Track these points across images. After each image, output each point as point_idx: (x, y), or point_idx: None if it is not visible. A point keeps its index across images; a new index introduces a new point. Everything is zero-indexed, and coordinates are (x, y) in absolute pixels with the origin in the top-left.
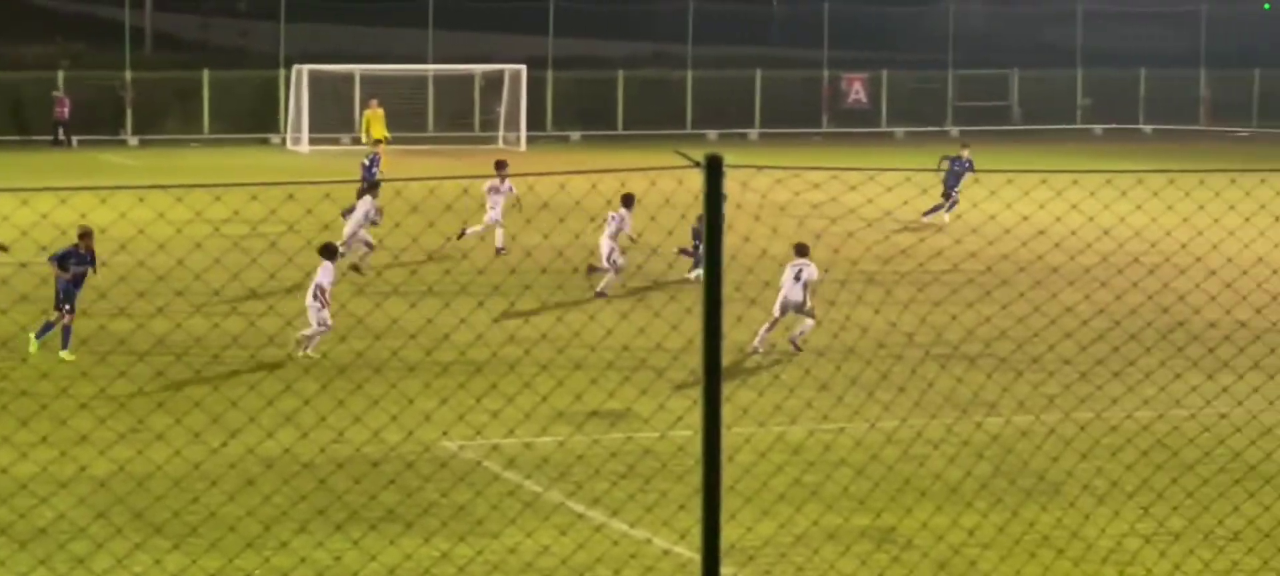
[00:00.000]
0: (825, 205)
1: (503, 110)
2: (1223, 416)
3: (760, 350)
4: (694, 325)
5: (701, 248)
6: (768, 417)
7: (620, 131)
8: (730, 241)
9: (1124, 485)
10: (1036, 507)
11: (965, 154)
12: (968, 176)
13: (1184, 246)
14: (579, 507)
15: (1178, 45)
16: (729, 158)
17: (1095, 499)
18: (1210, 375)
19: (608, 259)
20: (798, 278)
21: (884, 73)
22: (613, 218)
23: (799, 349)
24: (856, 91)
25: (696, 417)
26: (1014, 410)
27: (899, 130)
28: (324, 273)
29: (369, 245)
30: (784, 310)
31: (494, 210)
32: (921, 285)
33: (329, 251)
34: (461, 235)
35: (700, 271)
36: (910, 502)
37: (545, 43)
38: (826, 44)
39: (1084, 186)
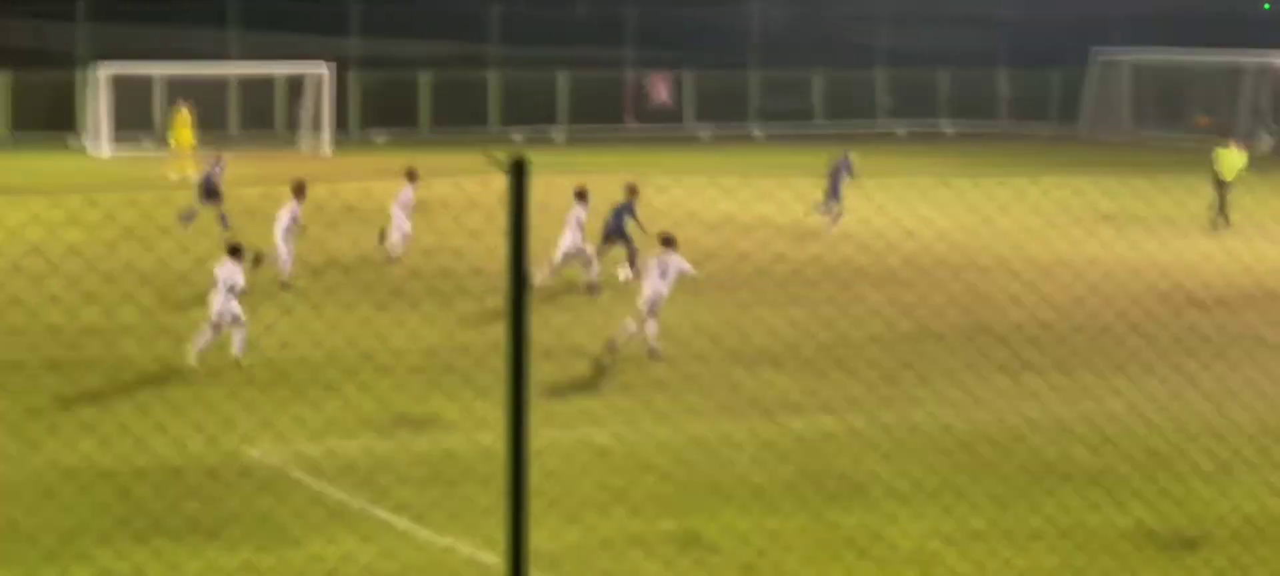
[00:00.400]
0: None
1: (306, 112)
2: (1024, 416)
3: (618, 348)
4: (499, 329)
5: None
6: (573, 422)
7: (426, 132)
8: (535, 245)
9: (926, 485)
10: (840, 509)
11: (848, 156)
12: (846, 178)
13: (987, 247)
14: (384, 514)
15: (979, 45)
16: (534, 159)
17: (898, 500)
18: (1013, 375)
19: (578, 253)
20: (664, 274)
21: (688, 73)
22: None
23: (655, 354)
24: (661, 92)
25: (502, 422)
26: (819, 411)
27: (704, 130)
28: (229, 271)
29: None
30: (652, 307)
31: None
32: (728, 288)
33: (236, 252)
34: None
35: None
36: (716, 506)
37: (348, 43)
38: (631, 44)
39: (890, 188)
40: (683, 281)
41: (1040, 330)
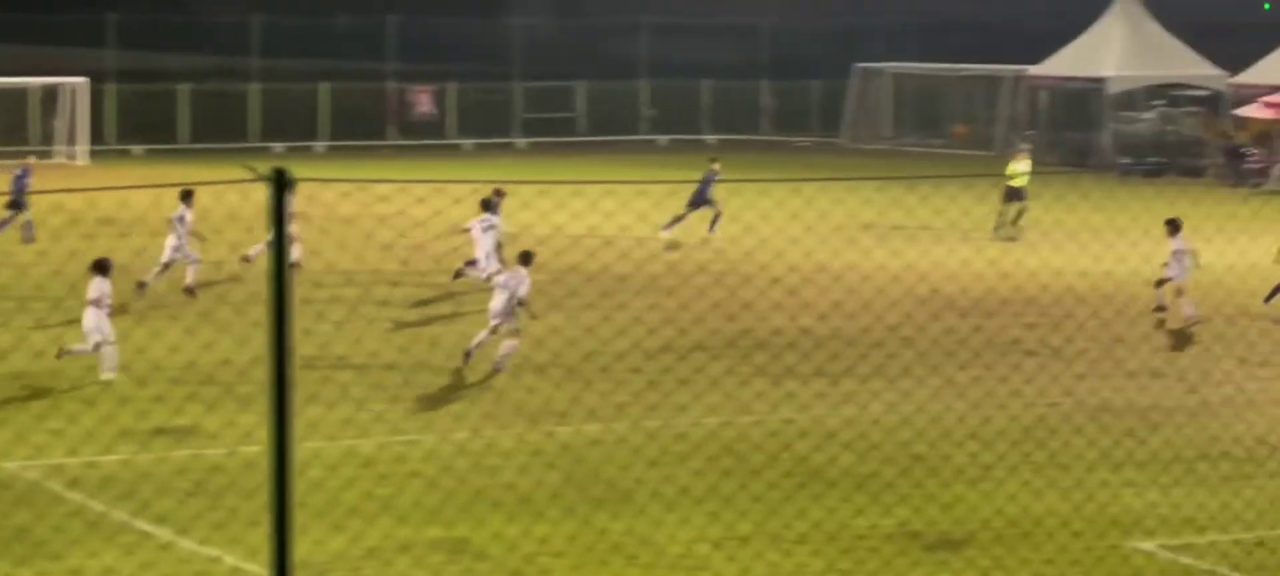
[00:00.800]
0: (392, 218)
1: (63, 124)
2: (788, 421)
3: (472, 356)
4: (262, 339)
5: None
6: (338, 432)
7: (184, 145)
8: (297, 255)
9: (693, 491)
10: (607, 515)
11: (715, 166)
12: (715, 185)
13: (749, 254)
14: (145, 526)
15: (740, 56)
16: (296, 171)
17: (665, 505)
18: (776, 381)
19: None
20: (508, 288)
21: (451, 85)
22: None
23: (500, 369)
24: (423, 103)
25: (265, 433)
26: (584, 419)
27: (466, 142)
28: (98, 286)
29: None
30: (497, 319)
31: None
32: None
33: (102, 267)
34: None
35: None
36: (483, 513)
37: (106, 55)
38: (393, 56)
39: (650, 196)
40: (448, 288)
41: (802, 336)
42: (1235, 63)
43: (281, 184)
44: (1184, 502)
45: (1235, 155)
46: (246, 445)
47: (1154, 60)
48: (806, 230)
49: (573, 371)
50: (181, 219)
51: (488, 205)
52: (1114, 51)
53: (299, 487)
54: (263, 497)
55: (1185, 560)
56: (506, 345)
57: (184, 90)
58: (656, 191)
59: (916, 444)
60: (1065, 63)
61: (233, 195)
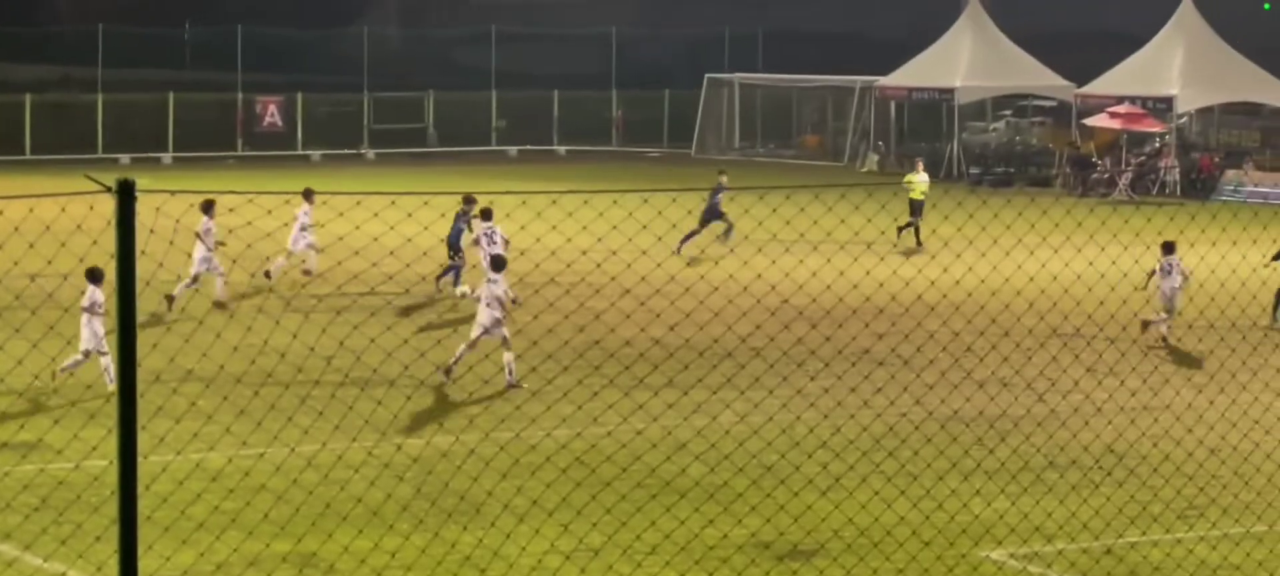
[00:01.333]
0: (241, 229)
1: None
2: (639, 432)
3: (454, 373)
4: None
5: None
6: (185, 445)
7: (29, 156)
8: (144, 267)
9: (544, 503)
10: (458, 528)
11: (723, 179)
12: (723, 196)
13: (599, 266)
14: None
15: (590, 67)
16: (142, 182)
17: (516, 517)
18: (626, 392)
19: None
20: (489, 303)
21: (299, 95)
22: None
23: (515, 386)
24: (271, 114)
25: (111, 447)
26: (434, 431)
27: (315, 153)
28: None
29: None
30: (484, 331)
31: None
32: (339, 309)
33: (94, 275)
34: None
35: (463, 288)
36: (332, 526)
37: None
38: (240, 67)
39: (501, 207)
40: (295, 302)
41: (653, 347)
42: (1082, 73)
43: (126, 195)
44: (1033, 511)
45: (1082, 165)
46: (93, 459)
47: (1002, 71)
48: (657, 240)
49: (422, 383)
50: (207, 231)
51: (487, 215)
52: (962, 62)
53: (146, 502)
54: (110, 512)
55: (1034, 569)
56: (507, 357)
57: (29, 101)
58: (509, 203)
59: (767, 454)
60: (914, 73)
61: (79, 207)
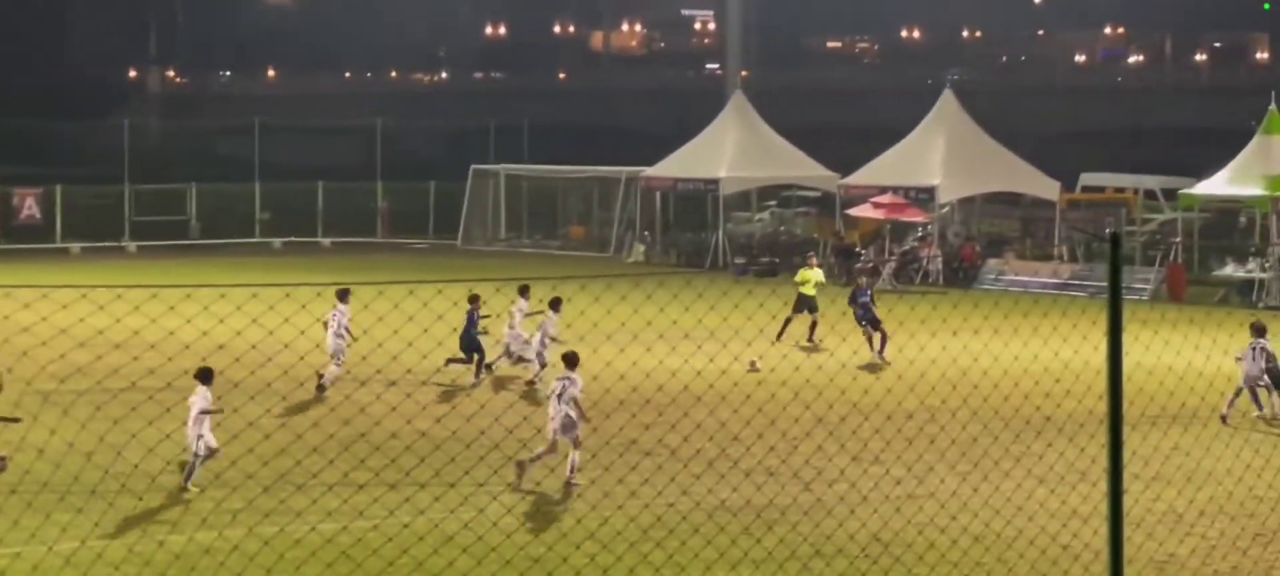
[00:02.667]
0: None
1: None
2: (405, 526)
3: (528, 473)
4: None
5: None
6: None
7: None
8: None
9: None
10: None
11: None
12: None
13: (365, 358)
14: None
15: (355, 159)
16: None
17: None
18: (393, 485)
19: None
20: (561, 396)
21: (58, 187)
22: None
23: (574, 485)
24: (29, 206)
25: None
26: (197, 526)
27: (75, 245)
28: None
29: None
30: (565, 431)
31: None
32: (99, 403)
33: (204, 376)
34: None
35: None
36: None
37: None
38: None
39: (264, 300)
40: (54, 398)
41: (419, 439)
42: (845, 164)
43: None
44: None
45: (847, 255)
46: None
47: (766, 162)
48: (423, 332)
49: (170, 476)
50: (338, 316)
51: (555, 305)
52: (727, 153)
53: None
54: None
55: None
56: (575, 457)
57: None
58: (273, 295)
59: (534, 546)
60: (679, 164)
61: None
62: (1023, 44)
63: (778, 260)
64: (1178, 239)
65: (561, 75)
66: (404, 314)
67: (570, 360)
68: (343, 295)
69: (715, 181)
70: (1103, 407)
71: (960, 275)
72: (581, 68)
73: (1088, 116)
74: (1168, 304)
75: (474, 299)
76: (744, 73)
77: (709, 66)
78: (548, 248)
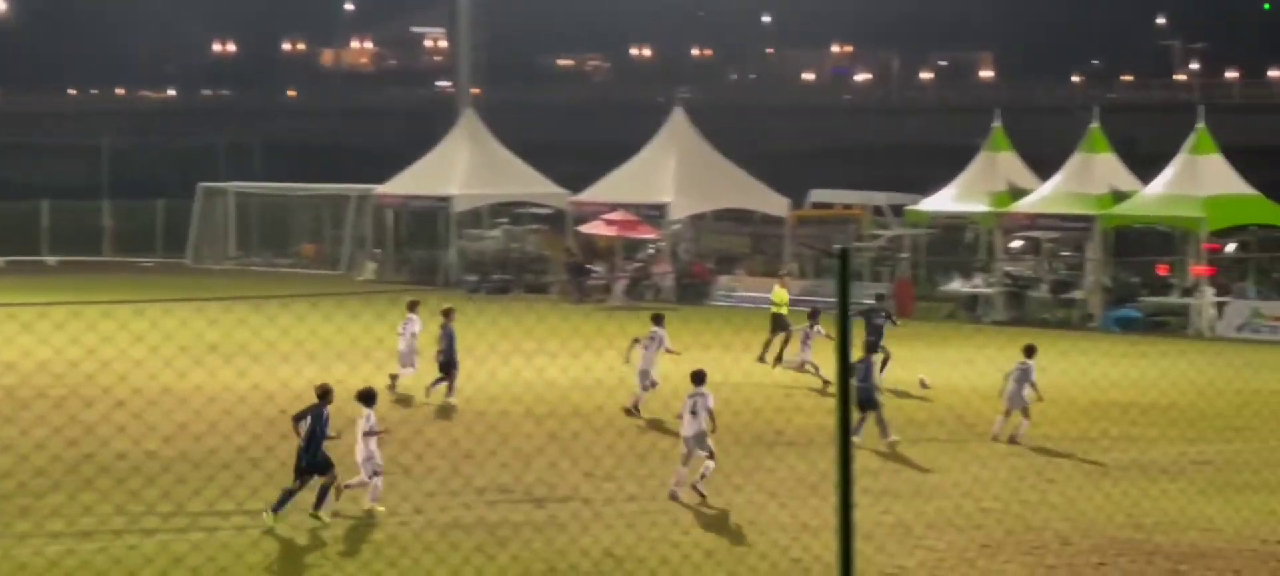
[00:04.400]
0: None
1: None
2: (133, 548)
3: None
4: None
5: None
6: None
7: None
8: None
9: None
10: None
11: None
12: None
13: (91, 377)
14: None
15: (80, 176)
16: None
17: None
18: (120, 507)
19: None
20: (694, 412)
21: None
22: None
23: (701, 494)
24: None
25: None
26: None
27: None
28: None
29: None
30: (699, 444)
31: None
32: None
33: (367, 397)
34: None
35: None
36: None
37: None
38: None
39: None
40: None
41: (147, 460)
42: (577, 182)
43: None
44: None
45: (578, 271)
46: None
47: (498, 179)
48: (151, 352)
49: None
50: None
51: (657, 320)
52: (458, 171)
53: None
54: None
55: None
56: (708, 466)
57: None
58: None
59: (265, 567)
60: (411, 182)
61: None
62: (752, 62)
63: (510, 277)
64: (905, 255)
65: (291, 93)
66: (131, 333)
67: (697, 377)
68: (412, 305)
69: (447, 198)
70: (832, 422)
71: (692, 291)
72: (312, 85)
73: (816, 134)
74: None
75: (447, 312)
76: (475, 90)
77: (440, 84)
78: (279, 266)
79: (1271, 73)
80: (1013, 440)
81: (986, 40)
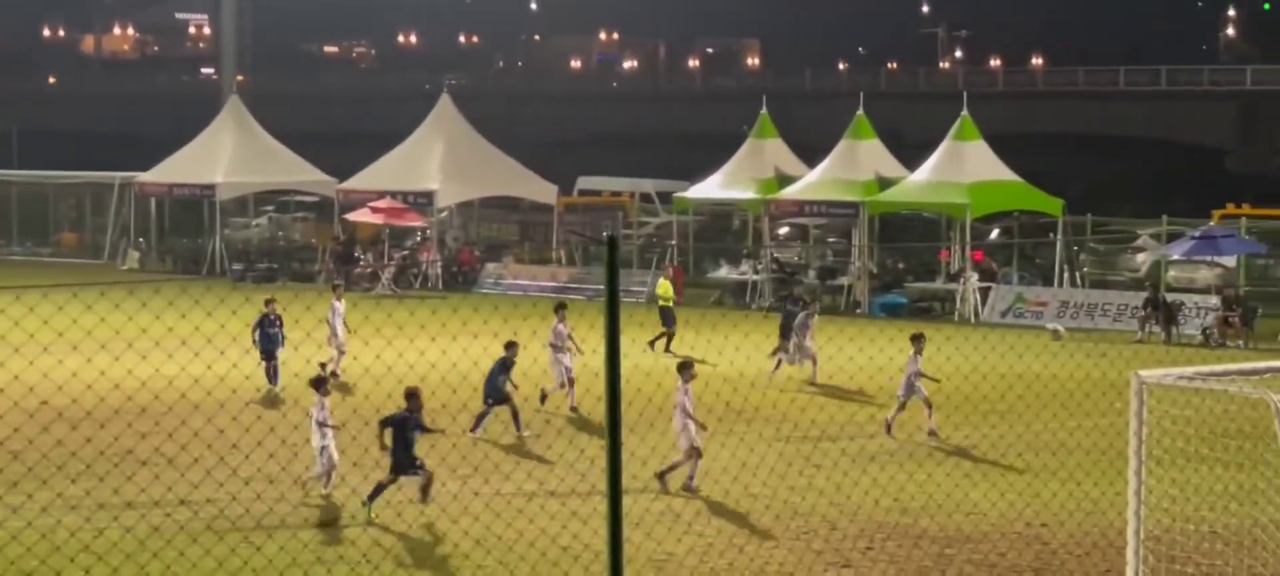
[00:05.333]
0: None
1: None
2: None
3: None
4: None
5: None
6: None
7: None
8: None
9: None
10: None
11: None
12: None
13: None
14: None
15: None
16: None
17: None
18: None
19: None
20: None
21: None
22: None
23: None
24: None
25: None
26: None
27: None
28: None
29: None
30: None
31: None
32: None
33: (317, 384)
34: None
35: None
36: None
37: None
38: None
39: None
40: None
41: None
42: (343, 169)
43: None
44: None
45: (345, 259)
46: None
47: (263, 167)
48: None
49: None
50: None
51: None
52: (223, 159)
53: None
54: None
55: None
56: (696, 462)
57: None
58: None
59: (28, 560)
60: (175, 170)
61: None
62: (519, 49)
63: (276, 265)
64: (674, 242)
65: (51, 79)
66: None
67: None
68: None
69: (211, 187)
70: (601, 409)
71: (459, 279)
72: (73, 72)
73: (584, 121)
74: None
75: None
76: (240, 77)
77: (204, 71)
78: (39, 255)
79: (1034, 61)
80: (932, 433)
81: (753, 28)
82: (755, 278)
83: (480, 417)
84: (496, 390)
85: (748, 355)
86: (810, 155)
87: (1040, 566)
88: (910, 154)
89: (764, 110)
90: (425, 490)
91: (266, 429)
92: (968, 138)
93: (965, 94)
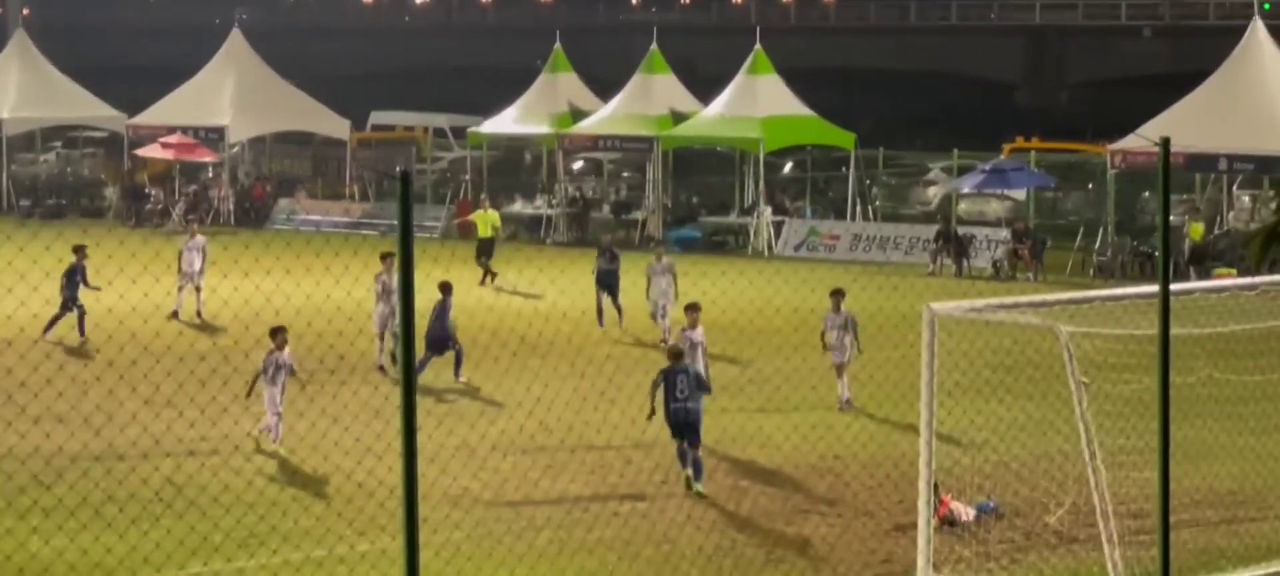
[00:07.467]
0: None
1: None
2: None
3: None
4: None
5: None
6: None
7: None
8: None
9: None
10: None
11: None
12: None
13: None
14: None
15: None
16: None
17: None
18: None
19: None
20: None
21: None
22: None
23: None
24: None
25: None
26: None
27: None
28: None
29: None
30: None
31: None
32: None
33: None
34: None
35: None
36: None
37: None
38: None
39: None
40: None
41: None
42: (134, 104)
43: None
44: (92, 547)
45: (136, 195)
46: None
47: (51, 102)
48: None
49: None
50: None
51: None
52: (9, 94)
53: None
54: None
55: None
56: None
57: None
58: None
59: None
60: None
61: None
62: None
63: (65, 202)
64: (467, 177)
65: None
66: None
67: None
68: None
69: None
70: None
71: (252, 215)
72: None
73: (376, 56)
74: (459, 241)
75: (78, 250)
76: (25, 11)
77: None
78: None
79: None
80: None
81: None
82: (550, 212)
83: (457, 361)
84: (446, 335)
85: (543, 290)
86: (605, 89)
87: (834, 498)
88: (704, 88)
89: (558, 44)
90: (695, 467)
91: (56, 367)
92: (761, 72)
93: (758, 28)
